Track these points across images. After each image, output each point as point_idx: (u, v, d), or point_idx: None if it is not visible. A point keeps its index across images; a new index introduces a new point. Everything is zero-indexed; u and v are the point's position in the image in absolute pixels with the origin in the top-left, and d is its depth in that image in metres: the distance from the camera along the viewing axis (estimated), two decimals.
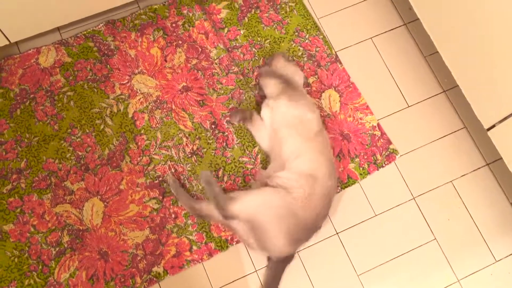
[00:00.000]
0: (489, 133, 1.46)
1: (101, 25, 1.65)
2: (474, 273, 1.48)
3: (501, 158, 1.46)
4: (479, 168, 1.58)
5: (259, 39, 1.68)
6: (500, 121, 1.40)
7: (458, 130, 1.62)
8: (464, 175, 1.57)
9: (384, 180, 1.55)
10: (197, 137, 1.56)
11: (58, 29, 1.65)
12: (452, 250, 1.50)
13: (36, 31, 1.55)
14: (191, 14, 1.68)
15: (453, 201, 1.55)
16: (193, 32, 1.67)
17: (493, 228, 1.53)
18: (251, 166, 1.54)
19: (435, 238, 1.51)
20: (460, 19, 1.40)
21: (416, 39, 1.71)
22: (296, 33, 1.69)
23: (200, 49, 1.65)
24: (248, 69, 1.64)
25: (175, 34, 1.66)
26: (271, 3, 1.72)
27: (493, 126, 1.43)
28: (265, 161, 1.54)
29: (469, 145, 1.60)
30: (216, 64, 1.64)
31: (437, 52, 1.54)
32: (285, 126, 1.44)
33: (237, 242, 1.47)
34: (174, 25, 1.67)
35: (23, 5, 1.41)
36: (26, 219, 1.45)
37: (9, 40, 1.51)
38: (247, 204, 1.35)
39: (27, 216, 1.46)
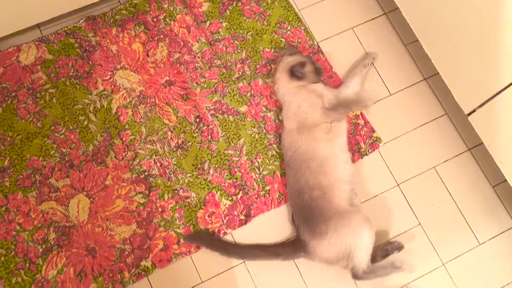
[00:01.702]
0: (469, 118, 1.48)
1: (81, 21, 1.64)
2: (458, 256, 1.50)
3: (482, 143, 1.48)
4: (461, 153, 1.61)
5: (241, 31, 1.68)
6: (480, 106, 1.42)
7: (440, 116, 1.64)
8: (447, 160, 1.60)
9: (368, 168, 1.57)
10: (181, 131, 1.57)
11: (38, 26, 1.64)
12: (436, 235, 1.52)
13: (16, 28, 1.55)
14: (172, 8, 1.68)
15: (437, 187, 1.57)
16: (175, 26, 1.67)
17: (477, 212, 1.55)
18: (237, 159, 1.55)
19: (420, 224, 1.53)
20: (439, 8, 1.42)
21: (397, 28, 1.73)
22: (278, 25, 1.70)
23: (182, 43, 1.65)
24: (231, 62, 1.65)
25: (156, 28, 1.66)
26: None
27: (473, 111, 1.45)
28: (250, 153, 1.55)
29: (450, 131, 1.63)
30: (198, 58, 1.64)
31: (418, 40, 1.56)
32: None
33: (224, 234, 1.48)
34: (155, 19, 1.67)
35: (2, 1, 1.40)
36: (11, 217, 1.45)
37: None
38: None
39: (12, 214, 1.45)
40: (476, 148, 1.61)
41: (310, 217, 1.37)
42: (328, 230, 1.35)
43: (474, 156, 1.60)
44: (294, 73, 1.50)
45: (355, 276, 1.38)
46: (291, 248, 1.43)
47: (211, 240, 1.46)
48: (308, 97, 1.47)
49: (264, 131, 1.58)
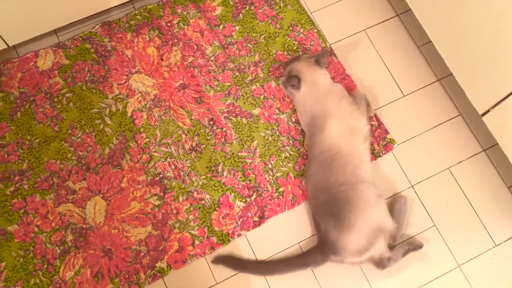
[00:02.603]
0: (483, 118, 1.47)
1: (97, 26, 1.67)
2: (474, 258, 1.49)
3: (497, 144, 1.47)
4: (475, 154, 1.60)
5: (254, 34, 1.70)
6: (494, 106, 1.41)
7: (454, 117, 1.63)
8: (461, 161, 1.59)
9: (382, 169, 1.57)
10: (195, 133, 1.58)
11: (55, 32, 1.67)
12: (452, 236, 1.51)
13: (34, 34, 1.58)
14: (185, 13, 1.71)
15: (452, 188, 1.56)
16: (188, 30, 1.69)
17: (492, 212, 1.54)
18: (250, 161, 1.56)
19: (435, 225, 1.52)
20: (451, 8, 1.42)
21: (409, 30, 1.72)
22: (291, 28, 1.71)
23: (195, 47, 1.67)
24: (244, 65, 1.66)
25: (170, 33, 1.68)
26: None
27: (487, 111, 1.45)
28: (264, 155, 1.56)
29: (465, 132, 1.62)
30: (212, 61, 1.66)
31: (430, 41, 1.55)
32: None
33: (238, 235, 1.49)
34: (169, 24, 1.69)
35: (20, 8, 1.44)
36: (30, 219, 1.47)
37: (7, 44, 1.53)
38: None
39: (30, 216, 1.48)
40: (491, 148, 1.60)
41: (338, 210, 1.37)
42: (356, 217, 1.36)
43: (489, 157, 1.59)
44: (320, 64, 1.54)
45: (382, 264, 1.39)
46: (318, 253, 1.41)
47: (238, 263, 1.47)
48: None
49: (277, 133, 1.59)
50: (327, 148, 1.45)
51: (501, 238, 1.51)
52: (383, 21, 1.73)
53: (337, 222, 1.37)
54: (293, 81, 1.51)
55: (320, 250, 1.41)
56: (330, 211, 1.39)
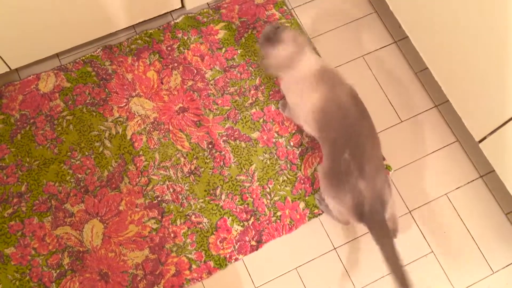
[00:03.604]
0: (480, 145, 1.48)
1: (98, 50, 1.69)
2: (472, 285, 1.49)
3: (494, 170, 1.48)
4: (473, 180, 1.60)
5: (255, 58, 1.72)
6: (490, 133, 1.42)
7: (451, 143, 1.64)
8: (459, 187, 1.59)
9: None
10: (194, 157, 1.59)
11: (57, 55, 1.69)
12: (449, 263, 1.51)
13: (36, 57, 1.60)
14: (186, 38, 1.73)
15: (449, 214, 1.56)
16: (188, 54, 1.71)
17: (490, 239, 1.54)
18: (248, 184, 1.57)
19: (432, 251, 1.52)
20: (448, 36, 1.44)
21: (407, 56, 1.75)
22: None
23: (195, 71, 1.69)
24: (245, 88, 1.68)
25: (170, 57, 1.70)
26: (267, 24, 1.77)
27: (484, 138, 1.46)
28: (262, 179, 1.57)
29: (462, 158, 1.63)
30: (211, 85, 1.67)
31: (428, 68, 1.57)
32: None
33: (236, 260, 1.48)
34: (169, 48, 1.71)
35: (23, 32, 1.46)
36: (27, 242, 1.47)
37: (9, 67, 1.55)
38: None
39: (28, 239, 1.48)
40: (488, 175, 1.60)
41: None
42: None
43: (486, 183, 1.60)
44: None
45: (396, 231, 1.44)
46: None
47: None
48: None
49: (275, 156, 1.60)
50: None
51: (498, 265, 1.51)
52: (381, 48, 1.76)
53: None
54: None
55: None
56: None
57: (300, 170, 1.59)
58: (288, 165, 1.59)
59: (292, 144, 1.62)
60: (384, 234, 1.34)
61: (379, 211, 1.33)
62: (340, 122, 1.37)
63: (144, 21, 1.69)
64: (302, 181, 1.58)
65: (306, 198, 1.56)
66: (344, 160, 1.33)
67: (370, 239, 1.51)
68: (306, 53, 1.44)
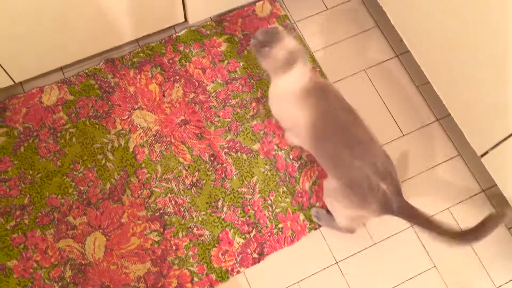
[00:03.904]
0: (482, 159, 1.48)
1: (101, 63, 1.71)
2: None
3: (496, 185, 1.48)
4: (475, 194, 1.60)
5: (257, 71, 1.73)
6: (492, 148, 1.42)
7: (453, 157, 1.64)
8: (461, 201, 1.59)
9: None
10: (196, 169, 1.60)
11: (61, 68, 1.70)
12: (452, 277, 1.50)
13: (40, 71, 1.62)
14: (187, 51, 1.74)
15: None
16: (190, 67, 1.72)
17: (492, 254, 1.53)
18: (250, 196, 1.57)
19: (435, 266, 1.51)
20: (449, 51, 1.44)
21: (408, 70, 1.75)
22: None
23: (197, 83, 1.70)
24: (246, 101, 1.68)
25: (172, 69, 1.71)
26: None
27: (486, 152, 1.46)
28: (263, 191, 1.57)
29: (464, 172, 1.62)
30: (213, 97, 1.68)
31: (429, 82, 1.57)
32: None
33: (238, 272, 1.48)
34: (171, 61, 1.72)
35: (28, 46, 1.47)
36: (29, 254, 1.48)
37: (14, 81, 1.57)
38: None
39: (30, 251, 1.48)
40: (490, 189, 1.60)
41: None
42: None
43: (488, 198, 1.59)
44: None
45: None
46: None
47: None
48: None
49: (275, 168, 1.60)
50: None
51: (501, 281, 1.50)
52: (383, 61, 1.76)
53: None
54: None
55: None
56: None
57: (299, 183, 1.59)
58: (287, 178, 1.60)
59: (291, 157, 1.62)
60: (419, 215, 1.33)
61: (403, 200, 1.33)
62: (341, 131, 1.36)
63: (148, 34, 1.70)
64: (300, 195, 1.58)
65: (304, 211, 1.56)
66: (357, 168, 1.31)
67: (370, 254, 1.52)
68: (299, 62, 1.40)
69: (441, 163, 1.63)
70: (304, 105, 1.39)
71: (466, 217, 1.57)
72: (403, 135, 1.67)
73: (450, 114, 1.55)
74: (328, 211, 1.54)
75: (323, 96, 1.40)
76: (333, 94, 1.41)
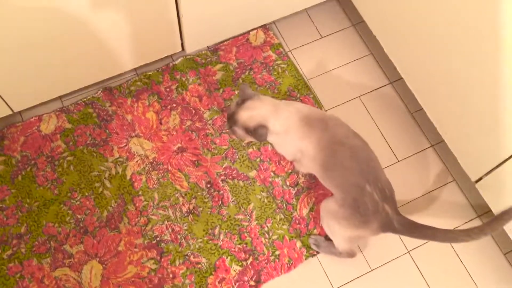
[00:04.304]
0: (477, 185, 1.49)
1: (99, 92, 1.73)
2: None
3: (491, 210, 1.48)
4: (471, 220, 1.60)
5: None
6: (487, 174, 1.43)
7: (448, 183, 1.65)
8: (457, 227, 1.59)
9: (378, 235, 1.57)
10: (193, 196, 1.60)
11: (59, 97, 1.72)
12: None
13: (39, 100, 1.64)
14: (184, 79, 1.76)
15: (448, 254, 1.56)
16: (187, 95, 1.74)
17: (488, 279, 1.53)
18: (247, 223, 1.57)
19: None
20: (442, 78, 1.46)
21: (402, 97, 1.77)
22: (288, 93, 1.76)
23: (193, 111, 1.72)
24: None
25: (169, 98, 1.73)
26: (264, 65, 1.80)
27: (480, 178, 1.47)
28: (260, 218, 1.57)
29: (459, 198, 1.63)
30: (209, 124, 1.70)
31: (423, 108, 1.60)
32: None
33: None
34: (168, 89, 1.75)
35: (27, 76, 1.50)
36: (25, 284, 1.47)
37: (12, 110, 1.58)
38: None
39: (26, 281, 1.48)
40: (486, 215, 1.61)
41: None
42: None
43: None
44: None
45: None
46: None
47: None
48: None
49: (272, 195, 1.61)
50: None
51: None
52: (377, 88, 1.79)
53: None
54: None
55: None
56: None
57: (296, 210, 1.60)
58: (284, 205, 1.60)
59: (288, 183, 1.63)
60: (420, 226, 1.37)
61: (403, 216, 1.38)
62: (350, 157, 1.38)
63: (145, 63, 1.73)
64: (297, 221, 1.58)
65: (302, 238, 1.56)
66: (367, 193, 1.34)
67: (367, 280, 1.52)
68: (281, 106, 1.46)
69: (436, 189, 1.64)
70: (305, 136, 1.43)
71: (463, 243, 1.57)
72: (398, 161, 1.68)
73: (444, 140, 1.57)
74: (326, 238, 1.55)
75: (321, 123, 1.44)
76: (333, 121, 1.46)
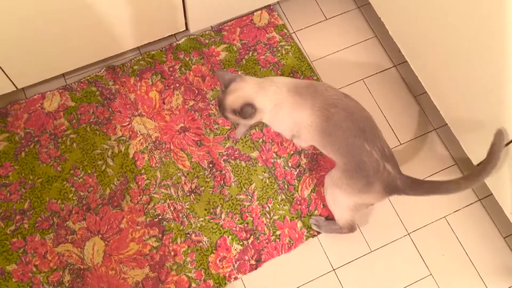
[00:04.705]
0: None
1: (102, 70, 1.73)
2: None
3: (492, 194, 1.49)
4: (471, 203, 1.61)
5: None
6: None
7: (450, 166, 1.66)
8: (457, 210, 1.60)
9: (379, 216, 1.58)
10: (195, 176, 1.61)
11: (63, 75, 1.72)
12: (447, 285, 1.51)
13: (42, 77, 1.64)
14: (187, 59, 1.76)
15: (448, 237, 1.57)
16: (190, 75, 1.74)
17: (488, 263, 1.54)
18: (248, 203, 1.58)
19: (431, 274, 1.52)
20: (445, 61, 1.46)
21: (406, 80, 1.77)
22: (291, 74, 1.76)
23: (196, 91, 1.72)
24: None
25: (172, 77, 1.73)
26: (268, 46, 1.80)
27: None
28: (261, 198, 1.58)
29: None
30: (212, 105, 1.70)
31: (426, 92, 1.59)
32: None
33: (235, 279, 1.49)
34: (171, 69, 1.75)
35: (31, 53, 1.50)
36: (28, 259, 1.49)
37: (16, 87, 1.59)
38: None
39: (29, 256, 1.49)
40: (486, 198, 1.61)
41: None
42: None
43: (484, 207, 1.61)
44: None
45: None
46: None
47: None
48: None
49: (274, 176, 1.62)
50: None
51: None
52: (380, 71, 1.78)
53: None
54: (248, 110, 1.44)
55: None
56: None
57: (297, 191, 1.61)
58: (286, 186, 1.61)
59: (290, 165, 1.64)
60: (424, 182, 1.38)
61: (405, 175, 1.37)
62: (345, 118, 1.38)
63: (149, 42, 1.72)
64: (299, 202, 1.59)
65: (302, 219, 1.57)
66: (366, 151, 1.35)
67: (367, 261, 1.53)
68: (266, 83, 1.46)
69: (438, 172, 1.64)
70: (298, 105, 1.42)
71: (463, 226, 1.58)
72: (401, 143, 1.68)
73: (447, 124, 1.57)
74: (327, 218, 1.56)
75: (312, 91, 1.43)
76: (321, 86, 1.46)
